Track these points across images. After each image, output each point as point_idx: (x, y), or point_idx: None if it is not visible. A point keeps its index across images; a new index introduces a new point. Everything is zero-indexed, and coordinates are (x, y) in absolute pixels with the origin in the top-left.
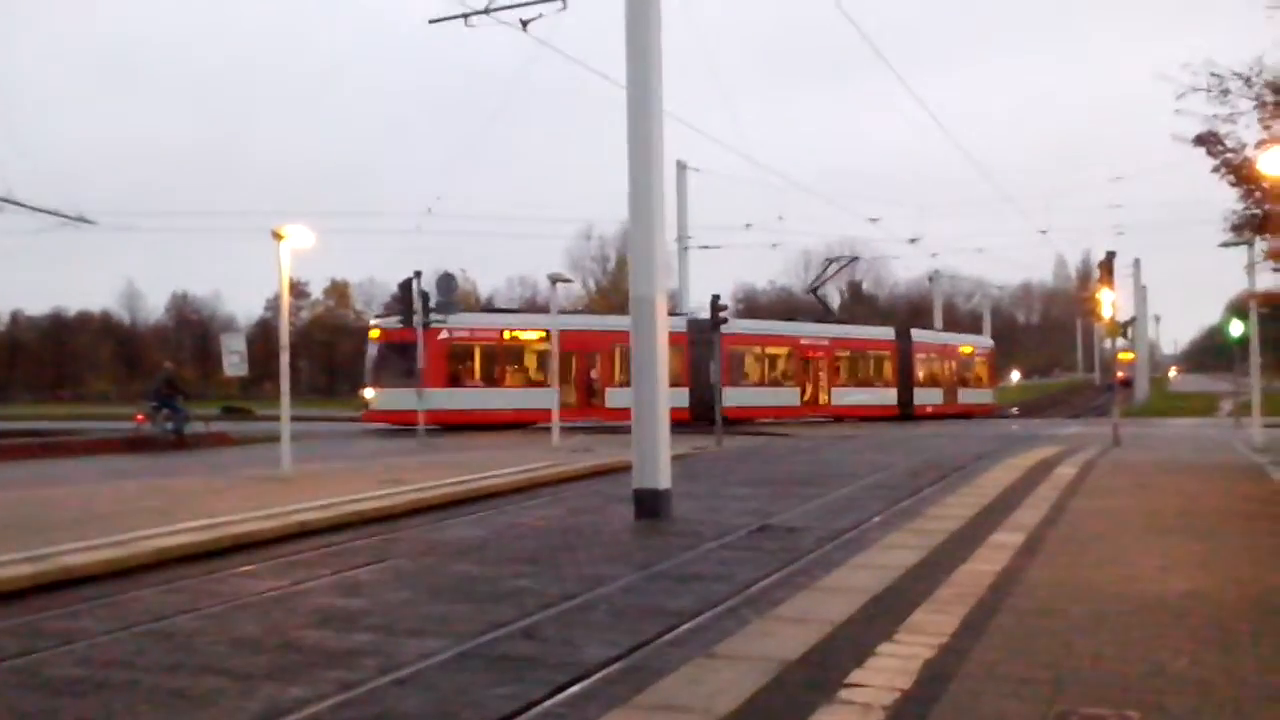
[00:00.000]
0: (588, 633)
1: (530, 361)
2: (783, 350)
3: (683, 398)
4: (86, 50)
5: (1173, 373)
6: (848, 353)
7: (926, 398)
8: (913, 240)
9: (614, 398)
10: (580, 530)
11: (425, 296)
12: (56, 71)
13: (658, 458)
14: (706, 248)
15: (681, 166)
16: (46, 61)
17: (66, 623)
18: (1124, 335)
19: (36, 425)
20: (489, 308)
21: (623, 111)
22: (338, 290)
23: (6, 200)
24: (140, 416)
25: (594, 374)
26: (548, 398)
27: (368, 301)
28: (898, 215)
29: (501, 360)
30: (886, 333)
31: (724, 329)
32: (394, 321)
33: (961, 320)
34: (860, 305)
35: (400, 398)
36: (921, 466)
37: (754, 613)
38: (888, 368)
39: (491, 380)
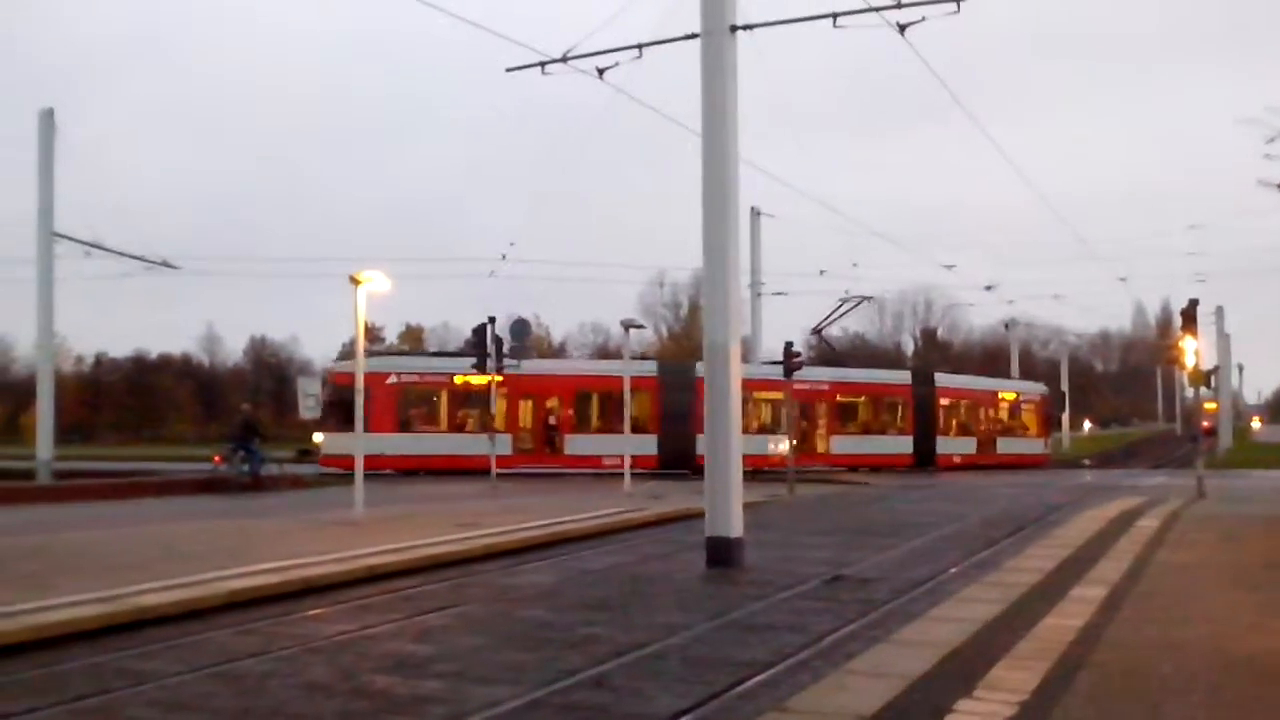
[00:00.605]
0: (659, 683)
1: (471, 407)
2: (774, 395)
3: (651, 444)
4: (170, 100)
5: (1256, 423)
6: (855, 398)
7: (953, 447)
8: (989, 287)
9: (573, 445)
10: (651, 578)
11: (499, 342)
12: (142, 121)
13: (730, 505)
14: (780, 294)
15: (755, 213)
16: (133, 111)
17: (139, 663)
18: (1207, 384)
19: (117, 466)
20: (442, 352)
21: (697, 157)
22: (412, 335)
23: (95, 246)
24: (217, 458)
25: (553, 420)
26: (499, 444)
27: (441, 346)
28: (973, 261)
29: (452, 405)
30: (901, 376)
31: (515, 369)
32: (348, 365)
33: (1038, 368)
34: (934, 352)
35: (349, 441)
36: (997, 518)
37: (828, 665)
38: (902, 414)
39: (439, 425)
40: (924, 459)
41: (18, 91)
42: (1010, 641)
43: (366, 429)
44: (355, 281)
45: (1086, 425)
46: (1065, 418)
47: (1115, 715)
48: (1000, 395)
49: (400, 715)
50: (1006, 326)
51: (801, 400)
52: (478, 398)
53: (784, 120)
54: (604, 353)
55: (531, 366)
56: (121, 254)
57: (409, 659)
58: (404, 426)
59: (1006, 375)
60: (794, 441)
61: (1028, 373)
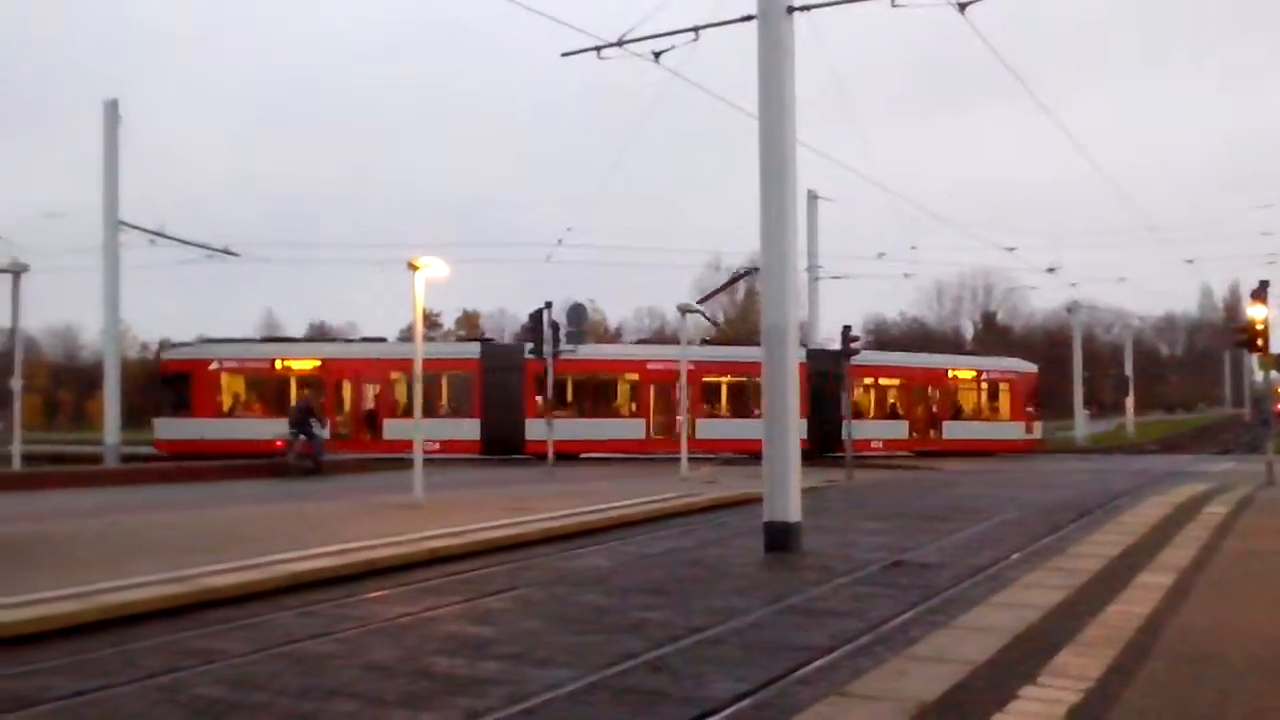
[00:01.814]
0: (716, 667)
1: (299, 389)
2: (633, 376)
3: (474, 429)
4: (233, 90)
5: None
6: (725, 378)
7: (871, 432)
8: (1050, 270)
9: (391, 430)
10: (708, 562)
11: (555, 327)
12: (205, 111)
13: (788, 490)
14: (837, 278)
15: (813, 196)
16: (196, 101)
17: (206, 642)
18: (1278, 368)
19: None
20: (271, 337)
21: (754, 141)
22: (469, 321)
23: (159, 234)
24: (279, 443)
25: (371, 405)
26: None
27: (498, 332)
28: (1035, 244)
29: (271, 390)
30: (898, 358)
31: (571, 354)
32: (186, 351)
33: (1101, 352)
34: (993, 336)
35: (178, 427)
36: (1060, 503)
37: (888, 650)
38: (901, 398)
39: (257, 410)
40: (825, 445)
41: (83, 83)
42: (1075, 628)
43: (192, 415)
44: (413, 267)
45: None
46: (1130, 403)
47: (1183, 703)
48: (954, 374)
49: (462, 696)
50: (1069, 310)
51: (657, 381)
52: (299, 381)
53: (841, 102)
54: (660, 338)
55: (355, 350)
56: (184, 242)
57: (470, 641)
58: (228, 412)
59: (1067, 360)
60: (849, 424)
61: (1090, 357)
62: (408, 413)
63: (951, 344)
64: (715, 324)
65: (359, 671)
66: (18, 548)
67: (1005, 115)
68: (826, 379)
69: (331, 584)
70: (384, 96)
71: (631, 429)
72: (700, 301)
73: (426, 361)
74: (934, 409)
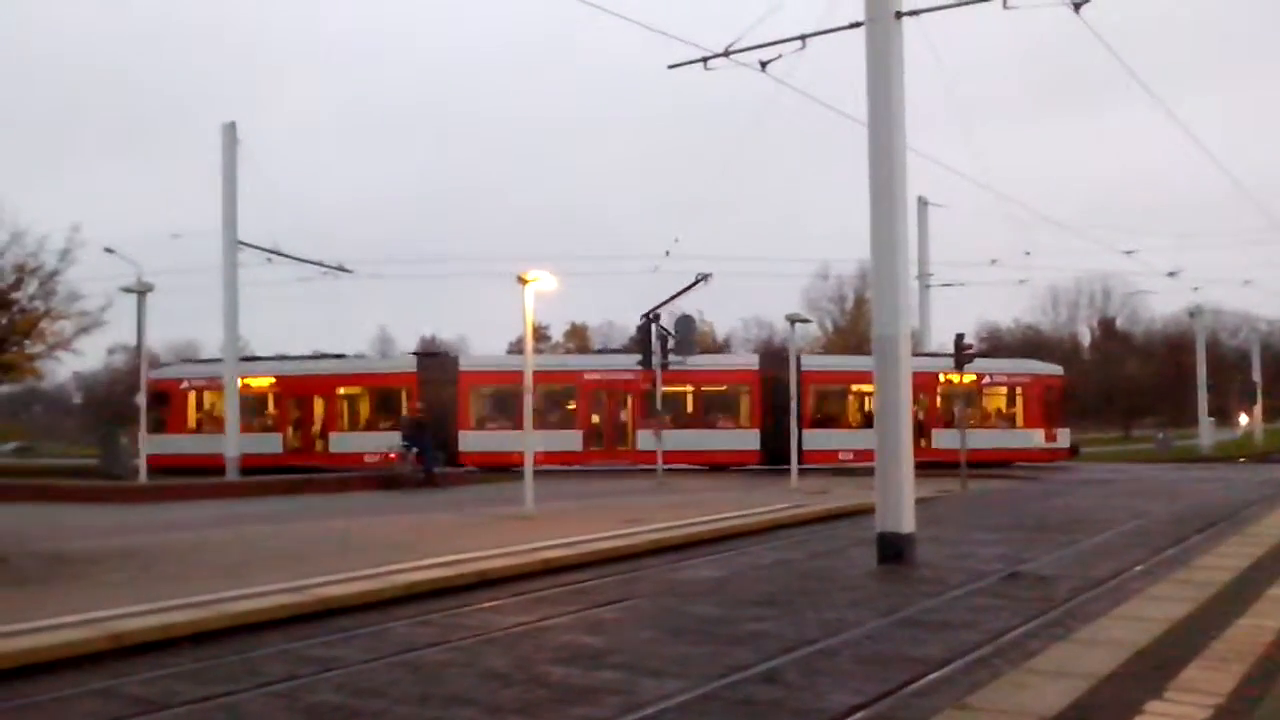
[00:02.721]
0: (831, 679)
1: (258, 408)
2: (558, 386)
3: None
4: (346, 111)
5: None
6: (678, 387)
7: (833, 442)
8: (1172, 273)
9: (336, 443)
10: (821, 574)
11: (664, 338)
12: (320, 132)
13: (901, 501)
14: (949, 285)
15: (923, 202)
16: (308, 122)
17: (325, 650)
18: None
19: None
20: (246, 357)
21: (863, 148)
22: (577, 333)
23: (275, 252)
24: (393, 456)
25: (318, 419)
26: (268, 443)
27: (606, 344)
28: (1155, 246)
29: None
30: (747, 361)
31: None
32: (166, 372)
33: (1227, 358)
34: (1113, 343)
35: (158, 443)
36: (1184, 513)
37: (1006, 664)
38: (744, 405)
39: (220, 427)
40: (778, 455)
41: (203, 105)
42: (1202, 642)
43: (167, 432)
44: (523, 281)
45: (1244, 420)
46: (1258, 410)
47: None
48: (947, 379)
49: (577, 705)
50: (1191, 315)
51: (607, 389)
52: (258, 400)
53: (952, 106)
54: (769, 348)
55: (307, 367)
56: (300, 259)
57: (583, 650)
58: (196, 428)
59: (1190, 367)
60: (964, 434)
61: (1215, 363)
62: (353, 426)
63: (1066, 352)
64: (824, 332)
65: (475, 679)
66: (145, 558)
67: (1123, 114)
68: (783, 386)
69: (446, 594)
70: (493, 112)
71: (569, 441)
72: (656, 309)
73: (364, 377)
74: (919, 416)
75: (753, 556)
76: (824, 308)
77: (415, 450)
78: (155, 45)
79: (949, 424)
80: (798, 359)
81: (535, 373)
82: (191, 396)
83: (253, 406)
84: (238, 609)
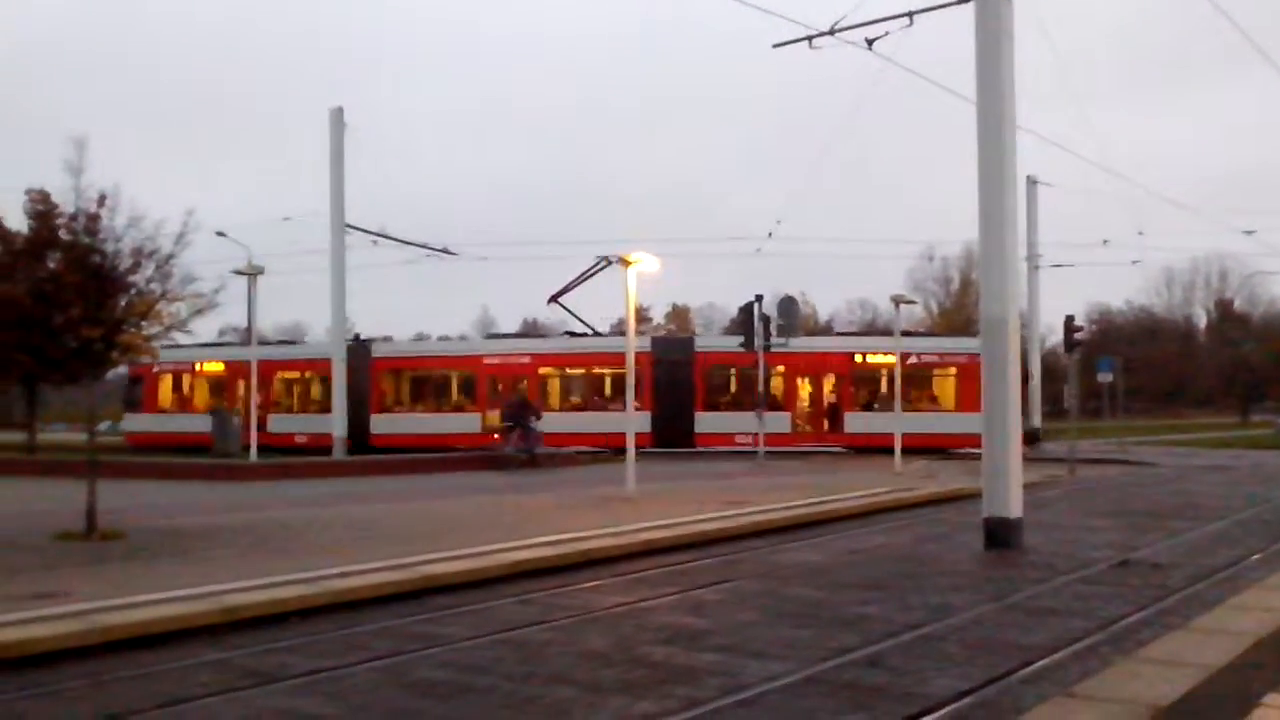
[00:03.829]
0: (936, 664)
1: (216, 389)
2: (453, 372)
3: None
4: (450, 95)
5: None
6: (571, 370)
7: (736, 425)
8: None
9: (274, 423)
10: (925, 558)
11: (766, 320)
12: (425, 117)
13: (1009, 485)
14: (1059, 266)
15: (1032, 182)
16: (416, 108)
17: (428, 627)
18: None
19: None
20: (209, 343)
21: (971, 126)
22: (678, 315)
23: (381, 235)
24: (496, 436)
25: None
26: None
27: (707, 326)
28: (1276, 226)
29: (190, 389)
30: (640, 344)
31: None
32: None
33: None
34: (1231, 325)
35: (135, 421)
36: None
37: (1117, 652)
38: (639, 387)
39: (180, 407)
40: (678, 438)
41: (310, 88)
42: None
43: (142, 411)
44: (625, 263)
45: None
46: None
47: None
48: (862, 359)
49: (678, 685)
50: None
51: (498, 375)
52: (218, 382)
53: (1064, 84)
54: (871, 330)
55: (250, 353)
56: (405, 242)
57: (684, 631)
58: (164, 408)
59: None
60: (899, 417)
61: None
62: (288, 409)
63: (1181, 334)
64: (929, 314)
65: (577, 658)
66: (255, 534)
67: (1243, 89)
68: (672, 369)
69: (548, 573)
70: (596, 93)
71: (468, 423)
72: (560, 293)
73: (295, 363)
74: (832, 399)
75: (856, 540)
76: (929, 289)
77: (518, 430)
78: (269, 31)
79: (866, 407)
80: (898, 335)
81: (435, 358)
82: (161, 380)
83: (214, 388)
84: (344, 585)
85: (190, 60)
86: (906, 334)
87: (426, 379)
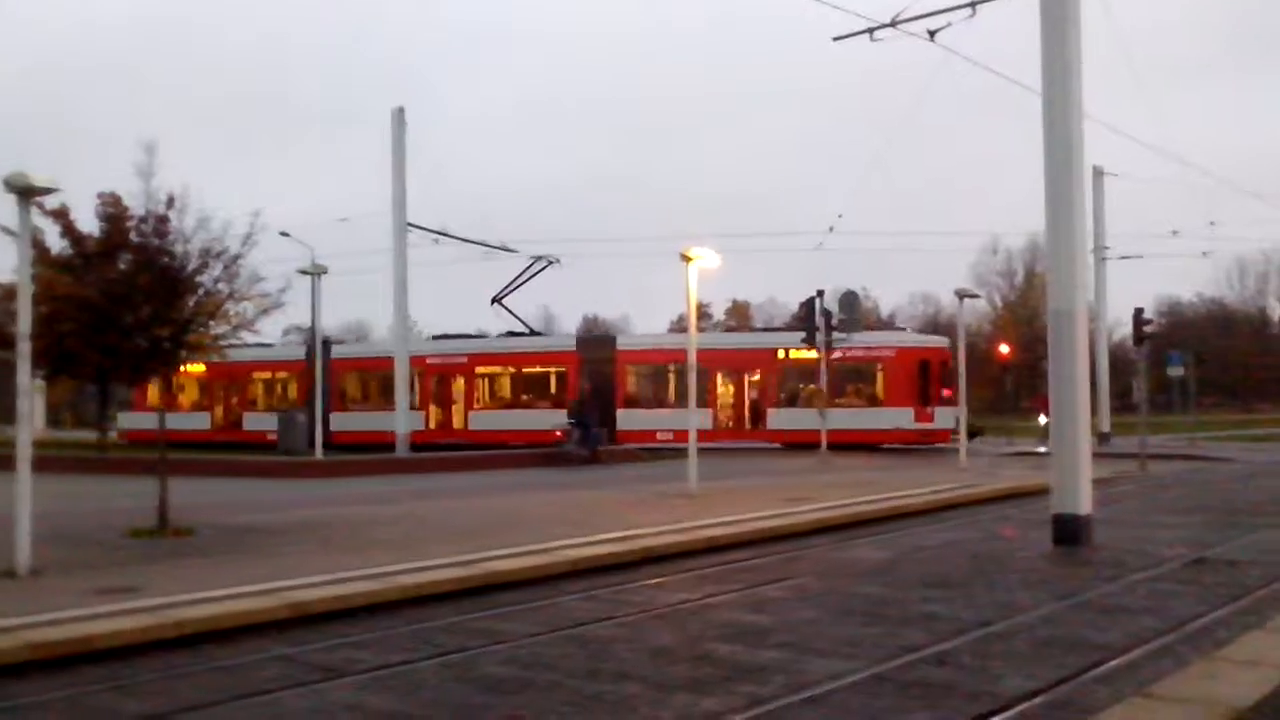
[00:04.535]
0: (1005, 662)
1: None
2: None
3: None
4: (510, 93)
5: None
6: (499, 369)
7: (653, 422)
8: None
9: (249, 421)
10: (993, 555)
11: (828, 315)
12: (485, 114)
13: (1078, 481)
14: (1126, 258)
15: (1099, 172)
16: (477, 105)
17: (494, 623)
18: None
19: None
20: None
21: (1035, 117)
22: (739, 310)
23: (443, 233)
24: (559, 433)
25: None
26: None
27: (768, 321)
28: None
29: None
30: (564, 343)
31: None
32: None
33: None
34: None
35: (129, 419)
36: None
37: (1193, 652)
38: (558, 387)
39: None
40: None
41: (371, 87)
42: None
43: (134, 410)
44: (686, 259)
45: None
46: None
47: None
48: (787, 354)
49: (744, 683)
50: None
51: (440, 373)
52: (203, 383)
53: (1131, 70)
54: (934, 325)
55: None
56: (466, 240)
57: (748, 628)
58: (152, 407)
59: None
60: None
61: None
62: (265, 409)
63: (1256, 325)
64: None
65: (642, 655)
66: (322, 531)
67: None
68: (595, 368)
69: (612, 570)
70: (656, 92)
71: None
72: (501, 295)
73: (271, 364)
74: (754, 396)
75: (921, 536)
76: (992, 282)
77: (580, 427)
78: (330, 32)
79: (791, 403)
80: (961, 330)
81: (384, 359)
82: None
83: (202, 389)
84: (410, 581)
85: (255, 62)
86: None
87: (377, 379)
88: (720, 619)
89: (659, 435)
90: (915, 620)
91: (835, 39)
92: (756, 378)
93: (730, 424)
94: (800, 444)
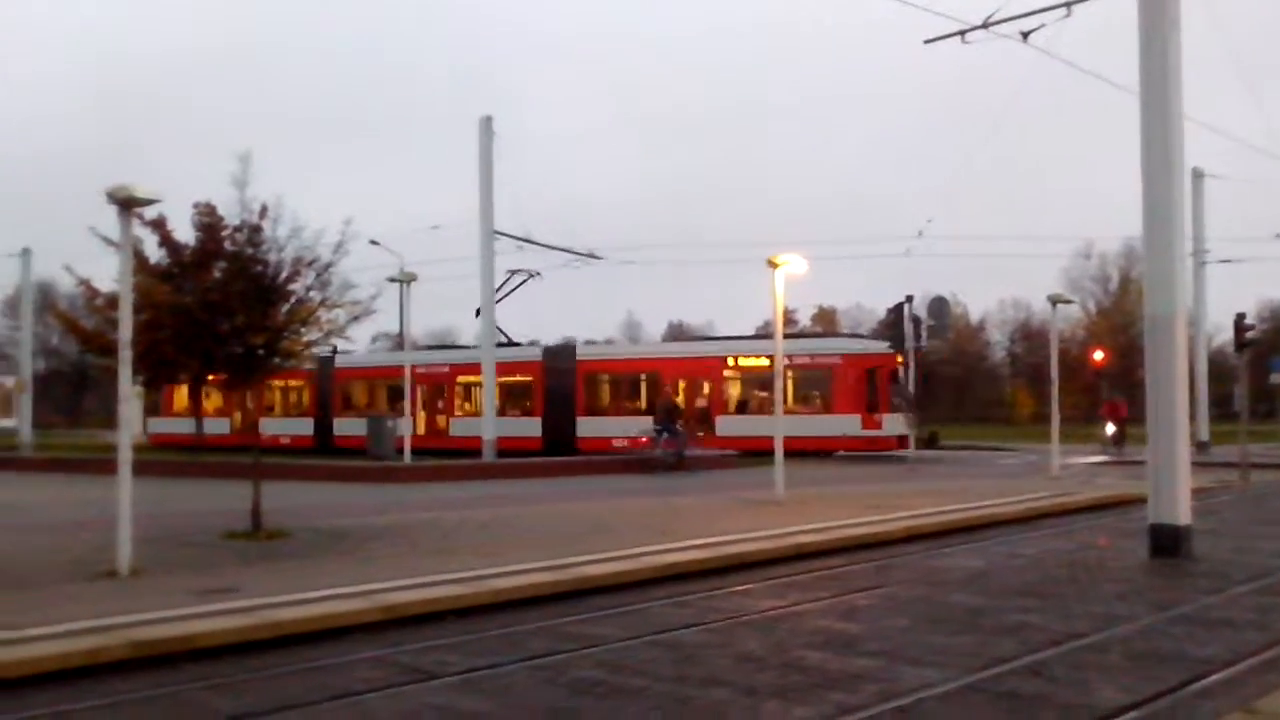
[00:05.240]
0: (1101, 675)
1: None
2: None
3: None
4: (595, 100)
5: None
6: (476, 378)
7: (615, 429)
8: None
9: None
10: (1087, 565)
11: (917, 321)
12: (568, 122)
13: (1176, 490)
14: (1227, 262)
15: (1198, 174)
16: (560, 112)
17: (584, 628)
18: None
19: None
20: None
21: (1131, 118)
22: (824, 316)
23: (528, 240)
24: (644, 439)
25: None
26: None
27: (855, 327)
28: None
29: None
30: (530, 353)
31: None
32: None
33: None
34: None
35: (157, 425)
36: None
37: None
38: (530, 395)
39: (187, 411)
40: (563, 442)
41: (456, 95)
42: None
43: (160, 416)
44: (773, 264)
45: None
46: None
47: None
48: (736, 362)
49: (833, 691)
50: None
51: (424, 382)
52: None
53: (1233, 67)
54: (1025, 331)
55: None
56: (551, 247)
57: (838, 637)
58: (177, 413)
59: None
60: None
61: None
62: (275, 413)
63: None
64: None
65: (731, 661)
66: (412, 535)
67: None
68: (559, 376)
69: (700, 576)
70: (744, 96)
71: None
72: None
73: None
74: (703, 403)
75: (1013, 545)
76: (1086, 288)
77: (666, 434)
78: (418, 41)
79: (739, 410)
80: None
81: (375, 368)
82: (175, 387)
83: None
84: (499, 585)
85: (345, 72)
86: (787, 336)
87: (371, 386)
88: (810, 626)
89: (615, 443)
90: (1008, 630)
91: (926, 42)
92: (706, 386)
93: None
94: (748, 451)
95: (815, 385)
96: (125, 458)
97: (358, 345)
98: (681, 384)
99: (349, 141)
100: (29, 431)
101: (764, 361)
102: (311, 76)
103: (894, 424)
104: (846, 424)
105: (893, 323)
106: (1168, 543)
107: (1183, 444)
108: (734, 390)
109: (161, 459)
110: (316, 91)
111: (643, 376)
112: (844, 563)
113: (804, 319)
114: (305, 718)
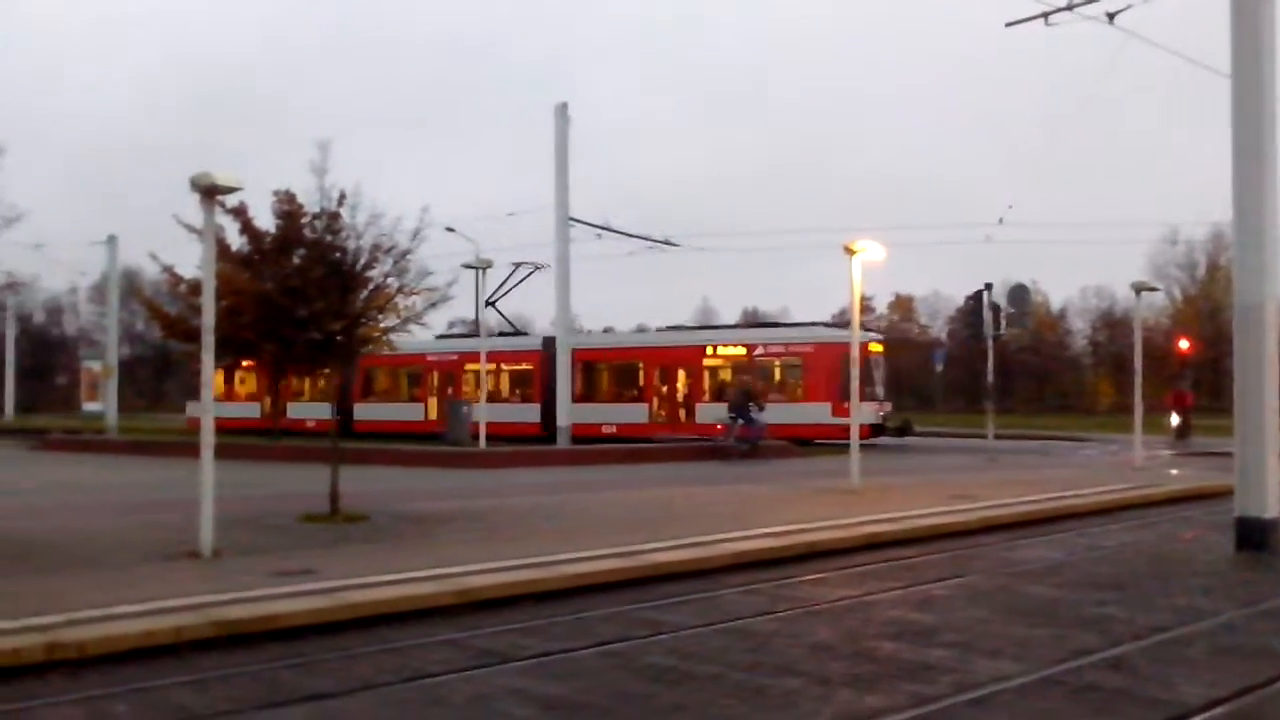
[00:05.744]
0: (1184, 669)
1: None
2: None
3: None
4: (672, 88)
5: None
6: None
7: (601, 416)
8: None
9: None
10: (1170, 558)
11: (996, 309)
12: (645, 108)
13: (1264, 482)
14: None
15: None
16: (638, 100)
17: (655, 614)
18: None
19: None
20: None
21: (1223, 102)
22: (901, 304)
23: (605, 228)
24: (720, 427)
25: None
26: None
27: (932, 315)
28: None
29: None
30: (531, 343)
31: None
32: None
33: None
34: None
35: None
36: None
37: None
38: (529, 382)
39: (221, 396)
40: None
41: (532, 81)
42: None
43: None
44: (850, 252)
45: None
46: None
47: None
48: (715, 351)
49: (908, 681)
50: None
51: (438, 369)
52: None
53: None
54: (1108, 320)
55: None
56: (628, 234)
57: (912, 627)
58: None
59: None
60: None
61: None
62: (304, 399)
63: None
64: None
65: (803, 650)
66: (487, 519)
67: None
68: (555, 364)
69: (772, 564)
70: (821, 81)
71: (417, 411)
72: (493, 299)
73: None
74: (684, 392)
75: (1093, 537)
76: (1171, 275)
77: (741, 421)
78: (496, 28)
79: (717, 398)
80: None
81: (394, 355)
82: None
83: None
84: (573, 571)
85: (423, 59)
86: (764, 325)
87: (390, 373)
88: (884, 616)
89: (604, 429)
90: (1088, 623)
91: (1009, 24)
92: (685, 374)
93: (664, 417)
94: (790, 437)
95: (789, 373)
96: (208, 441)
97: (433, 331)
98: (663, 372)
99: (425, 129)
100: (114, 415)
101: (740, 350)
102: (391, 68)
103: (865, 413)
104: (818, 412)
105: (971, 310)
106: (1254, 536)
107: (1272, 435)
108: (713, 379)
109: (237, 443)
110: (396, 81)
111: (639, 365)
112: (919, 553)
113: (881, 306)
114: (382, 698)
